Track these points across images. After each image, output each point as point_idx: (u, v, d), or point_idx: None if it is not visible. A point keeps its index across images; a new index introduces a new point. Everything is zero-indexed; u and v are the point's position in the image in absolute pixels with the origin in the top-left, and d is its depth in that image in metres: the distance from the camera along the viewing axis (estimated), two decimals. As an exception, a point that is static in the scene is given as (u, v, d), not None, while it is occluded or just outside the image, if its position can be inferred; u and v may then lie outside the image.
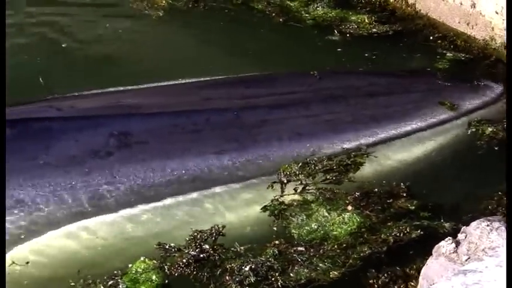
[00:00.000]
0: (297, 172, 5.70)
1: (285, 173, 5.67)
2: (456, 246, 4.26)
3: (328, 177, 5.68)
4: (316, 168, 5.71)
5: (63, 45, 8.04)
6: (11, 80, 6.63)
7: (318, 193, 5.58)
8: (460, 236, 4.34)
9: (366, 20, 8.01)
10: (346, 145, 5.88)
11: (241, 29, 8.23)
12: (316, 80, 6.69)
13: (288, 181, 5.66)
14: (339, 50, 7.72)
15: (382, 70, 7.34)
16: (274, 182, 5.64)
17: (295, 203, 5.55)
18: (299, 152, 5.86)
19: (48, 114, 6.09)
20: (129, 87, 6.78)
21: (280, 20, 8.22)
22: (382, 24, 8.02)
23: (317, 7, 8.25)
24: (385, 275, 4.92)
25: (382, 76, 6.98)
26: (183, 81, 6.90)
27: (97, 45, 8.01)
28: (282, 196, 5.57)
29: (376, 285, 4.88)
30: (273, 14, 8.30)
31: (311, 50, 7.71)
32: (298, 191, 5.61)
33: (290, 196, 5.59)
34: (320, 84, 6.66)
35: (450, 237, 4.35)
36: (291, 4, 8.39)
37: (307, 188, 5.61)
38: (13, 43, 7.91)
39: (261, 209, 5.50)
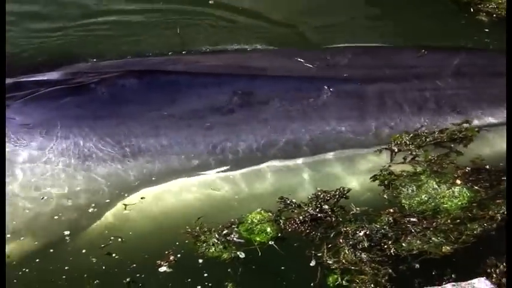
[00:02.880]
0: (408, 142, 5.99)
1: (395, 142, 6.00)
2: None
3: (438, 149, 5.98)
4: (427, 140, 5.99)
5: (210, 2, 8.59)
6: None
7: (426, 165, 5.87)
8: None
9: (506, 1, 7.94)
10: (468, 123, 6.13)
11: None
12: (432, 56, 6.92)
13: (399, 150, 5.98)
14: (486, 30, 7.90)
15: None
16: (385, 149, 5.98)
17: (404, 174, 5.85)
18: (419, 125, 6.13)
19: (176, 68, 6.54)
20: (257, 48, 7.28)
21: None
22: (523, 5, 7.91)
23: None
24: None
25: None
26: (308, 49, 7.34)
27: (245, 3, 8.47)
28: (390, 166, 5.94)
29: (494, 273, 5.04)
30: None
31: (454, 27, 7.94)
32: (407, 160, 5.91)
33: (399, 167, 5.89)
34: (446, 60, 6.83)
35: None
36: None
37: (416, 159, 5.92)
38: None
39: (371, 178, 5.85)
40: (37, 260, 5.40)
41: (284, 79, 6.50)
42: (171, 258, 5.29)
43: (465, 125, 6.11)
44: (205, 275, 5.20)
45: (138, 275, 5.23)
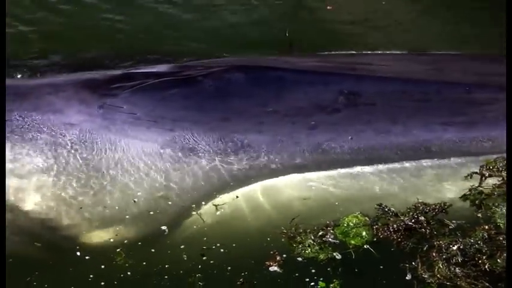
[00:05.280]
0: (500, 169, 6.04)
1: (487, 167, 6.07)
2: None
3: None
4: None
5: (328, 8, 8.86)
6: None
7: None
8: None
9: None
10: None
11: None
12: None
13: (490, 176, 5.97)
14: None
15: None
16: (475, 173, 6.00)
17: (495, 193, 5.90)
18: None
19: (282, 66, 6.80)
20: (365, 52, 7.50)
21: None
22: None
23: None
24: None
25: None
26: (416, 53, 7.50)
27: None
28: (479, 186, 5.93)
29: None
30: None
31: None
32: (497, 185, 5.93)
33: (488, 188, 5.94)
34: None
35: None
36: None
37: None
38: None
39: (461, 198, 5.90)
40: (143, 263, 5.76)
41: (390, 81, 6.62)
42: (278, 258, 5.62)
43: None
44: (313, 271, 5.53)
45: (243, 273, 5.58)
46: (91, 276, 5.60)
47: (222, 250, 5.74)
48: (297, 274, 5.53)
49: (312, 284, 5.50)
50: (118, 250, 5.77)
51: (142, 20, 8.56)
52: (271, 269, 5.56)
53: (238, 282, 5.50)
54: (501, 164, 5.99)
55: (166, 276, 5.59)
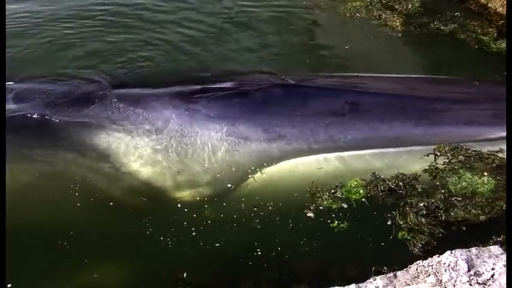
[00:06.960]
0: (447, 151, 6.23)
1: (438, 149, 6.25)
2: None
3: (467, 160, 6.17)
4: (461, 152, 6.18)
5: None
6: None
7: (460, 164, 6.08)
8: None
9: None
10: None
11: (447, 50, 8.77)
12: (482, 87, 7.15)
13: (440, 155, 6.19)
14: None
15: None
16: (429, 154, 6.21)
17: (447, 169, 6.08)
18: (470, 133, 6.33)
19: (306, 84, 7.06)
20: (362, 74, 7.64)
21: (476, 47, 8.67)
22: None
23: (502, 42, 8.59)
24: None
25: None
26: (397, 76, 7.63)
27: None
28: (435, 163, 6.15)
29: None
30: (472, 43, 8.74)
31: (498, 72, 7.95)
32: (445, 163, 6.11)
33: (441, 165, 6.13)
34: (488, 89, 7.15)
35: None
36: (484, 38, 8.79)
37: (451, 161, 6.12)
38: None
39: (423, 171, 6.03)
40: (221, 215, 5.79)
41: (380, 95, 6.82)
42: (311, 207, 5.75)
43: (499, 153, 6.21)
44: (332, 215, 5.65)
45: (290, 220, 5.66)
46: (185, 223, 5.67)
47: (269, 208, 5.81)
48: (321, 218, 5.68)
49: (334, 222, 5.66)
50: (206, 206, 5.84)
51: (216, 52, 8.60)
52: (308, 214, 5.71)
53: (288, 227, 5.59)
54: (447, 148, 6.23)
55: (234, 224, 5.65)
